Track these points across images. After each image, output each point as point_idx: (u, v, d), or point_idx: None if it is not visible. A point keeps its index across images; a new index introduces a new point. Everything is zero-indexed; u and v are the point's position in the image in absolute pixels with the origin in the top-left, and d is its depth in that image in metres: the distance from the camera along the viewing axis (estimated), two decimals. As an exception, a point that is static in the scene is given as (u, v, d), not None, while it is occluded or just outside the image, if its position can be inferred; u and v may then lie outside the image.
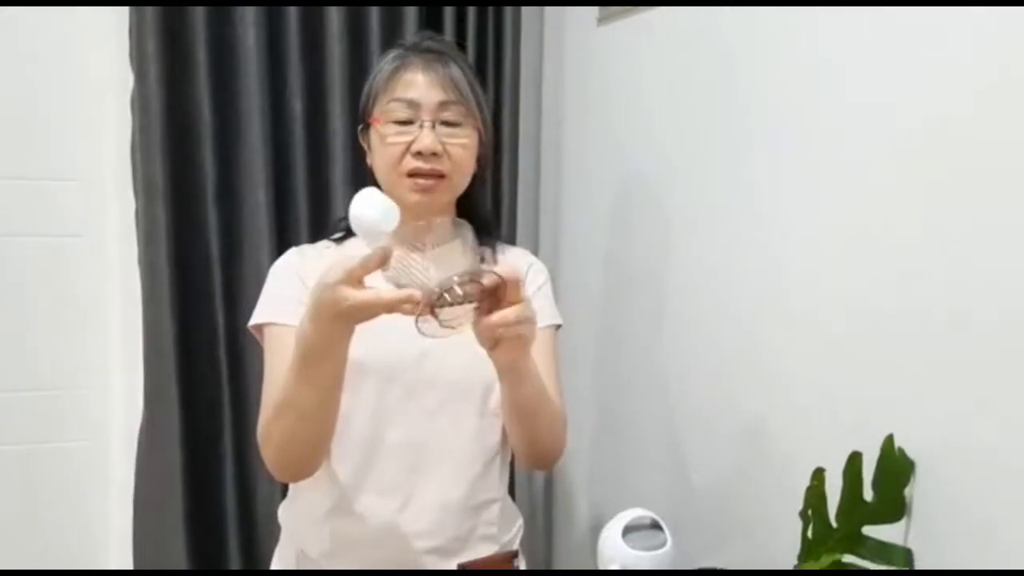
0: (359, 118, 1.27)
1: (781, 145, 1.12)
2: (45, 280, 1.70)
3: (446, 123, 1.18)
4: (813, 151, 1.07)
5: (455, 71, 1.20)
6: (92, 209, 1.71)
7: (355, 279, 0.91)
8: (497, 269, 0.91)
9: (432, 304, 0.87)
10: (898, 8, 0.92)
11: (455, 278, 0.87)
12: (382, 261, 0.90)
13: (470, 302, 0.89)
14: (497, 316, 0.91)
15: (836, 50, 1.03)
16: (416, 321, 0.88)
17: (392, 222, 0.96)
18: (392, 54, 1.24)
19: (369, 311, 0.91)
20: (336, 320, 0.94)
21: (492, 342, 0.96)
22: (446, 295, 0.87)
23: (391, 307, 0.89)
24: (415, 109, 1.17)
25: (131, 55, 1.57)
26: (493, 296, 0.91)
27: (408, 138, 1.16)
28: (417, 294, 0.87)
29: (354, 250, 1.24)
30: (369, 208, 0.96)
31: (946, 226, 0.87)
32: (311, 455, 1.15)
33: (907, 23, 0.91)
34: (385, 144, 1.18)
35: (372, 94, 1.23)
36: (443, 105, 1.18)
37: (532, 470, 1.25)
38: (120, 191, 1.66)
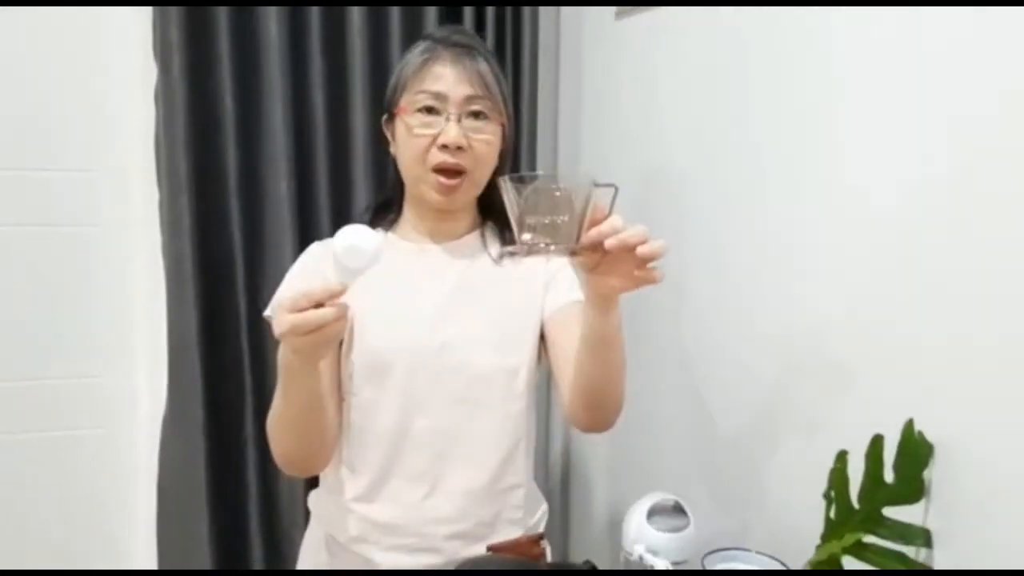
0: (385, 107, 1.29)
1: (797, 142, 1.14)
2: (67, 270, 1.72)
3: (472, 116, 1.20)
4: (828, 148, 1.09)
5: (483, 66, 1.22)
6: (114, 199, 1.72)
7: (297, 308, 0.92)
8: (588, 238, 0.91)
9: (523, 243, 0.91)
10: (918, 8, 0.94)
11: (543, 243, 0.90)
12: (327, 296, 0.91)
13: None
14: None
15: (852, 50, 1.04)
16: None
17: (355, 260, 0.93)
18: (421, 46, 1.25)
19: (297, 330, 0.92)
20: (286, 346, 0.97)
21: (592, 264, 0.96)
22: (539, 244, 0.91)
23: (314, 306, 0.91)
24: (442, 101, 1.19)
25: (154, 47, 1.58)
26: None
27: (434, 131, 1.18)
28: (335, 287, 0.91)
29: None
30: (340, 243, 0.94)
31: (964, 217, 0.89)
32: (307, 458, 1.19)
33: (926, 22, 0.93)
34: (411, 135, 1.19)
35: (400, 84, 1.24)
36: (470, 99, 1.19)
37: (590, 430, 1.24)
38: (144, 182, 1.67)
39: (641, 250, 0.90)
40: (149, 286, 1.70)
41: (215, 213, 1.64)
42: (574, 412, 1.22)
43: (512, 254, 0.94)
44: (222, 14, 1.59)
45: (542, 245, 0.90)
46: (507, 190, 0.93)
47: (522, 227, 0.92)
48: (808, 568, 0.96)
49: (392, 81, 1.27)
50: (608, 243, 0.90)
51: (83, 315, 1.74)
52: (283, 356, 1.02)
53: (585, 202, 0.90)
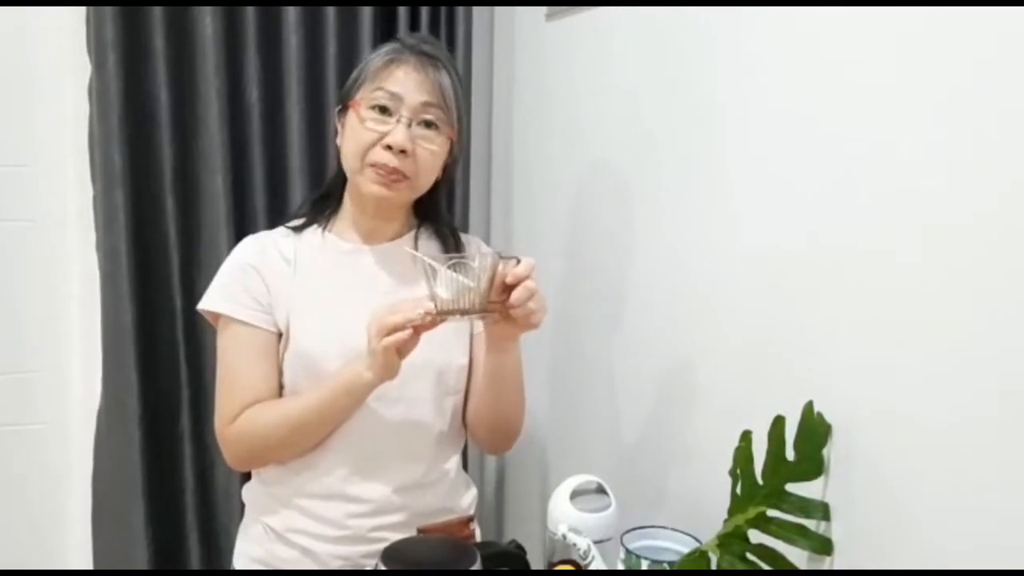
0: (341, 98, 1.30)
1: (727, 137, 1.18)
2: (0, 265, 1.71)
3: (423, 124, 1.22)
4: (757, 145, 1.13)
5: (445, 78, 1.24)
6: (47, 194, 1.71)
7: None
8: (516, 296, 1.07)
9: (441, 313, 1.06)
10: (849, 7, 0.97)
11: (460, 306, 1.06)
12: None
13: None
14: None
15: (774, 45, 1.09)
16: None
17: None
18: (388, 47, 1.27)
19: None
20: (374, 361, 1.11)
21: (497, 320, 1.11)
22: (455, 315, 1.07)
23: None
24: (397, 103, 1.21)
25: (88, 44, 1.58)
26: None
27: (384, 128, 1.20)
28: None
29: (312, 238, 1.30)
30: None
31: (863, 211, 0.96)
32: (282, 459, 1.26)
33: (858, 20, 0.96)
34: (362, 127, 1.21)
35: (360, 79, 1.25)
36: (425, 106, 1.21)
37: (491, 452, 1.36)
38: (77, 177, 1.66)
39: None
40: (84, 281, 1.69)
41: (150, 208, 1.64)
42: (474, 435, 1.35)
43: (431, 316, 1.08)
44: (157, 10, 1.59)
45: (457, 310, 1.06)
46: (424, 266, 1.06)
47: (438, 296, 1.06)
48: (716, 539, 1.02)
49: (353, 75, 1.29)
50: (529, 306, 1.08)
51: (17, 310, 1.72)
52: (356, 374, 1.15)
53: (492, 272, 1.06)
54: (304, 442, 1.23)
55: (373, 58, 1.26)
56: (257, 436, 1.21)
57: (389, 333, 1.07)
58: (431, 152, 1.23)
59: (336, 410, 1.19)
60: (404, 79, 1.21)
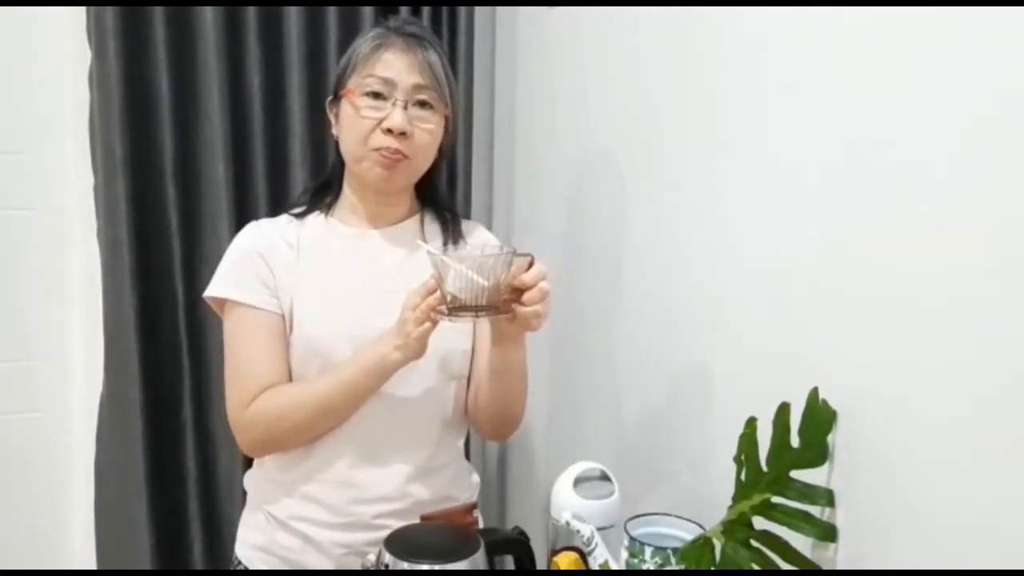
0: (333, 89, 1.30)
1: (730, 125, 1.18)
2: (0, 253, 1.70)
3: (418, 104, 1.22)
4: (760, 134, 1.12)
5: (433, 57, 1.24)
6: (47, 182, 1.71)
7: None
8: (529, 297, 1.07)
9: (450, 307, 1.04)
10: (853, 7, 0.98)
11: (471, 303, 1.03)
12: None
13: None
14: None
15: (775, 44, 1.09)
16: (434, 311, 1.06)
17: None
18: (374, 32, 1.27)
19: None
20: (403, 340, 1.12)
21: (510, 318, 1.10)
22: (466, 314, 1.04)
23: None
24: (390, 87, 1.21)
25: (88, 31, 1.58)
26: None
27: (380, 114, 1.20)
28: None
29: (315, 223, 1.30)
30: None
31: (878, 201, 0.95)
32: (299, 442, 1.24)
33: (870, 13, 0.95)
34: (358, 116, 1.21)
35: (350, 67, 1.25)
36: (418, 88, 1.22)
37: (492, 440, 1.35)
38: (78, 165, 1.66)
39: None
40: (85, 269, 1.70)
41: (151, 197, 1.65)
42: (477, 423, 1.36)
43: (441, 314, 1.07)
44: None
45: (470, 308, 1.04)
46: (436, 262, 1.04)
47: (449, 293, 1.04)
48: (720, 526, 1.02)
49: (342, 63, 1.29)
50: (538, 308, 1.08)
51: (18, 299, 1.73)
52: (383, 355, 1.14)
53: (506, 268, 1.03)
54: (326, 424, 1.22)
55: (360, 45, 1.26)
56: (277, 419, 1.20)
57: (425, 318, 1.08)
58: (428, 131, 1.24)
59: (360, 390, 1.19)
60: (393, 62, 1.22)
